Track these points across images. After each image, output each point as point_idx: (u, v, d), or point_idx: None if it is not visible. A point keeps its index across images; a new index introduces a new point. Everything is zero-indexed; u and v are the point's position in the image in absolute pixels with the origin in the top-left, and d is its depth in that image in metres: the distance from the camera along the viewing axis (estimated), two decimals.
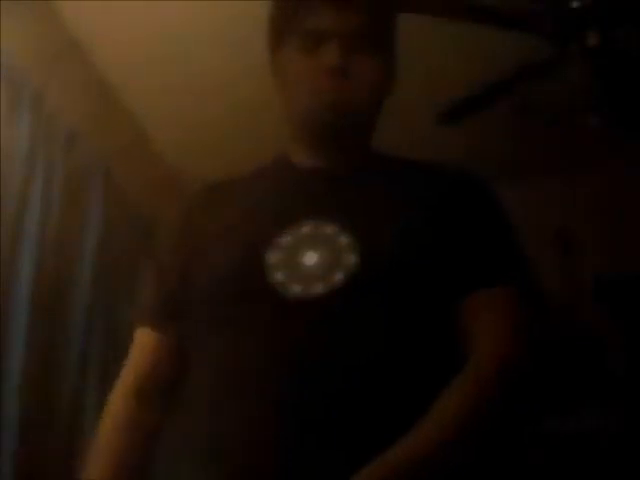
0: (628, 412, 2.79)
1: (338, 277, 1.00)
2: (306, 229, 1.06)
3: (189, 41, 2.75)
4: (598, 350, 3.07)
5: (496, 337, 1.00)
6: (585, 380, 2.96)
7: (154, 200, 3.19)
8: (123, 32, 2.68)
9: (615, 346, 3.10)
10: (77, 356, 2.44)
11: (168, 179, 3.48)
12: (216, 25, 2.68)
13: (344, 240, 1.03)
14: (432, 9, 2.29)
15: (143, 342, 1.17)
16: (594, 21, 2.32)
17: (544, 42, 2.42)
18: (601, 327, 3.13)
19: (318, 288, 1.00)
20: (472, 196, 1.13)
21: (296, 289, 1.00)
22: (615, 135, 2.97)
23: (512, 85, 2.59)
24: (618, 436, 2.73)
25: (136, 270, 2.97)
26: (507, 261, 1.08)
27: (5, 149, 2.18)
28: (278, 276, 1.02)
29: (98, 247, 2.63)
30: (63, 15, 2.59)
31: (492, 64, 2.57)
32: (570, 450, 2.71)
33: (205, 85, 2.98)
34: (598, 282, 3.23)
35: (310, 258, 1.03)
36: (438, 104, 2.65)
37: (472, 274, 1.05)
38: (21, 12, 2.34)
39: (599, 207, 3.38)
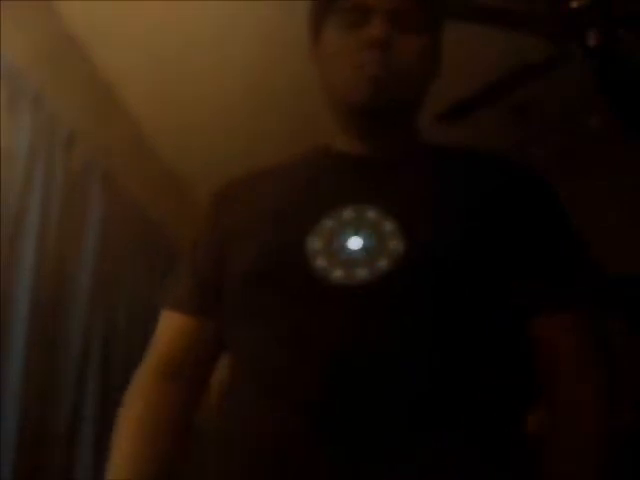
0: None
1: (383, 263, 0.97)
2: (348, 214, 1.02)
3: (189, 41, 2.75)
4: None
5: (583, 363, 1.00)
6: None
7: (154, 200, 3.20)
8: (123, 32, 2.68)
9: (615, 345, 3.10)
10: (77, 356, 2.44)
11: (168, 179, 3.48)
12: (216, 25, 2.68)
13: (389, 225, 1.00)
14: None
15: (171, 325, 1.14)
16: (594, 21, 2.32)
17: (544, 42, 2.42)
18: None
19: (362, 273, 0.96)
20: (529, 189, 1.08)
21: (339, 274, 0.97)
22: (615, 135, 2.97)
23: (512, 85, 2.59)
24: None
25: (136, 269, 2.98)
26: (574, 275, 1.04)
27: (5, 149, 2.18)
28: (320, 261, 0.98)
29: (98, 247, 2.63)
30: (63, 15, 2.59)
31: (492, 64, 2.57)
32: None
33: (205, 85, 2.98)
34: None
35: (354, 243, 0.99)
36: (437, 104, 2.65)
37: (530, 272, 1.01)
38: (21, 12, 2.34)
39: (599, 207, 3.38)
